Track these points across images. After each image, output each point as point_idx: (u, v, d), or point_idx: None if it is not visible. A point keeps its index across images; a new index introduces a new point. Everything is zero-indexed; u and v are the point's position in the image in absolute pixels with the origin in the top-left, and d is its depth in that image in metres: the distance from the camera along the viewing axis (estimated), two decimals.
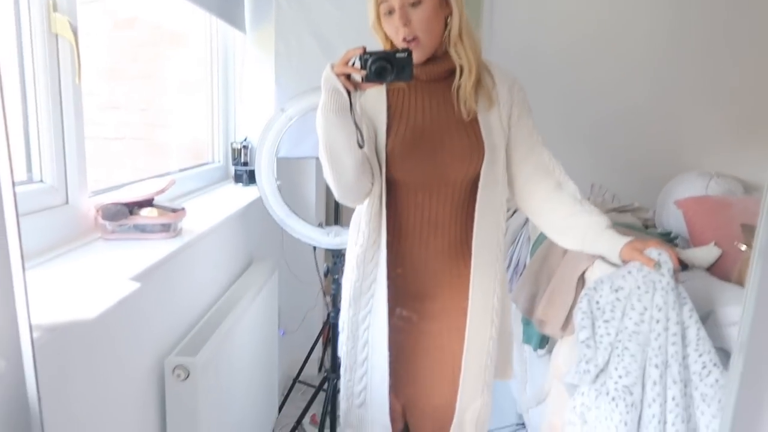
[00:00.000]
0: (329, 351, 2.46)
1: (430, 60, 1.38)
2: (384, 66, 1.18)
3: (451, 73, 1.39)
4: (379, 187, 1.38)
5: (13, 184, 0.70)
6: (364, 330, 1.48)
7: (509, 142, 1.45)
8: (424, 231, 1.42)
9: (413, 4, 1.30)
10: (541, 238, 2.12)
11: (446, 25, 1.36)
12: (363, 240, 1.41)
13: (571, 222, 1.46)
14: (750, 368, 0.69)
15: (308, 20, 2.39)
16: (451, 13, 1.34)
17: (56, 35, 1.30)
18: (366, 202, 1.41)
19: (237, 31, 2.53)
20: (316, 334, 2.79)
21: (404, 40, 1.31)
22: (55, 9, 1.28)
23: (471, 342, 1.45)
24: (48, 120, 1.30)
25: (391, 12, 1.31)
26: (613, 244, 1.40)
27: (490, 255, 1.45)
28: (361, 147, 1.27)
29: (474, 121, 1.39)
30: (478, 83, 1.39)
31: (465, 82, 1.36)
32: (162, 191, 1.47)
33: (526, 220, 2.40)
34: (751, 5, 2.72)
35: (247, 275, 2.12)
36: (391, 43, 1.37)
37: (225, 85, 2.59)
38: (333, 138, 1.26)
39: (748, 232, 1.72)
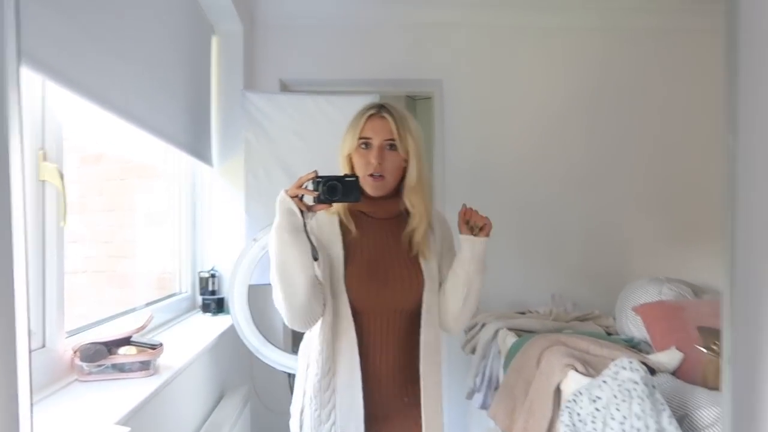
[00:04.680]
0: None
1: (383, 198, 1.49)
2: (335, 186, 1.30)
3: (401, 212, 1.51)
4: (330, 315, 1.41)
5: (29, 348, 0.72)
6: None
7: (439, 267, 1.56)
8: (377, 356, 1.46)
9: (391, 146, 1.44)
10: (513, 351, 2.17)
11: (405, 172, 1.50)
12: (317, 369, 1.42)
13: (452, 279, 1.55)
14: None
15: (275, 153, 2.53)
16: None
17: (43, 182, 1.35)
18: (317, 331, 1.42)
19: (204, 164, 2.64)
20: None
21: (371, 175, 1.44)
22: (44, 158, 1.35)
23: None
24: (31, 264, 1.31)
25: (366, 146, 1.45)
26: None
27: (435, 377, 1.51)
28: (316, 259, 1.34)
29: (416, 256, 1.49)
30: (429, 227, 1.53)
31: (417, 228, 1.48)
32: (142, 328, 1.47)
33: (495, 334, 2.45)
34: (683, 121, 3.05)
35: (219, 409, 2.06)
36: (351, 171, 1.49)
37: (193, 215, 2.64)
38: (286, 256, 1.32)
39: (706, 334, 1.83)
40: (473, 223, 1.47)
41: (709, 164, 2.99)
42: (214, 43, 2.72)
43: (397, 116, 1.45)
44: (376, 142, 1.43)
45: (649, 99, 3.07)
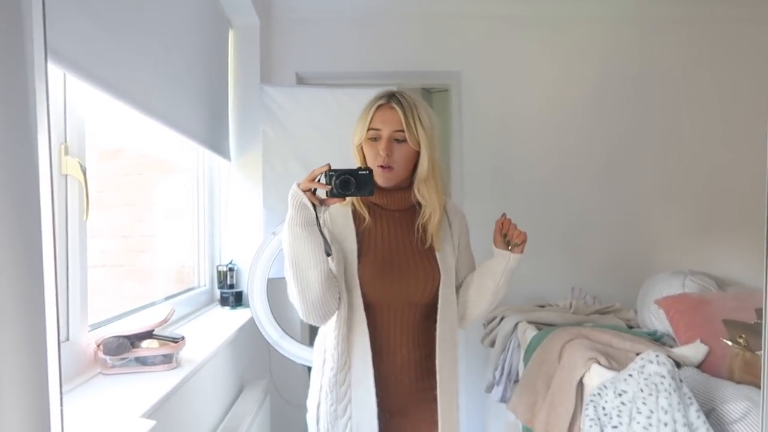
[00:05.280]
0: None
1: (396, 189, 1.47)
2: (348, 180, 1.27)
3: (414, 204, 1.49)
4: (345, 309, 1.39)
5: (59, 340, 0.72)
6: None
7: (456, 262, 1.56)
8: (391, 349, 1.45)
9: (398, 140, 1.41)
10: (533, 344, 2.15)
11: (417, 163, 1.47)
12: (333, 363, 1.41)
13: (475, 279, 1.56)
14: None
15: (292, 146, 2.53)
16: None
17: (66, 176, 1.36)
18: (333, 325, 1.42)
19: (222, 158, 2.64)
20: None
21: (380, 166, 1.41)
22: (66, 153, 1.35)
23: None
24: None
25: (376, 139, 1.43)
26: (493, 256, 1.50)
27: (451, 371, 1.49)
28: (328, 254, 1.31)
29: (431, 248, 1.47)
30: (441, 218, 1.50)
31: (429, 220, 1.46)
32: (164, 321, 1.47)
33: (515, 327, 2.43)
34: (708, 112, 3.00)
35: (240, 402, 2.06)
36: (364, 163, 1.47)
37: (210, 209, 2.65)
38: (299, 251, 1.30)
39: (732, 327, 1.79)
40: (510, 239, 1.44)
41: (733, 156, 2.94)
42: (231, 37, 2.72)
43: (407, 106, 1.41)
44: (384, 133, 1.41)
45: (671, 90, 3.02)
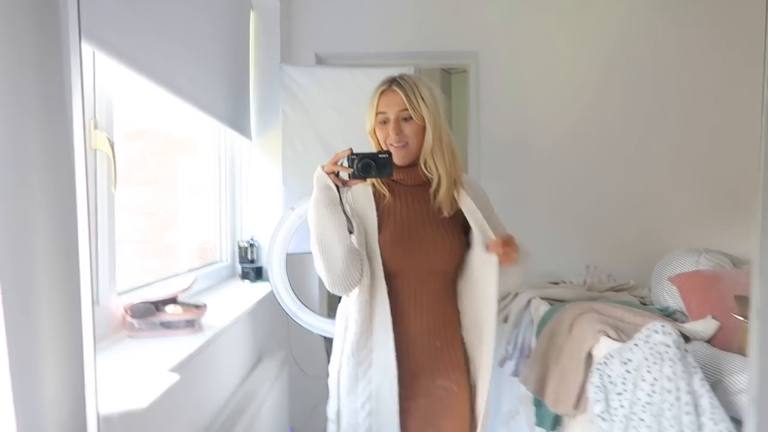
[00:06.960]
0: None
1: (412, 165, 1.56)
2: (368, 163, 1.39)
3: (430, 178, 1.58)
4: (368, 278, 1.49)
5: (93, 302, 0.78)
6: (366, 416, 1.52)
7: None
8: (412, 316, 1.53)
9: (405, 119, 1.51)
10: (545, 318, 2.19)
11: None
12: (356, 328, 1.50)
13: None
14: (764, 420, 0.75)
15: (312, 126, 2.58)
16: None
17: (95, 150, 1.43)
18: (355, 292, 1.51)
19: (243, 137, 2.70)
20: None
21: (392, 145, 1.51)
22: (95, 127, 1.42)
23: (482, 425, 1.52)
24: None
25: (385, 122, 1.53)
26: None
27: (476, 334, 1.56)
28: (351, 233, 1.43)
29: (451, 218, 1.56)
30: (454, 187, 1.57)
31: (438, 189, 1.54)
32: (188, 289, 1.55)
33: (528, 303, 2.47)
34: (721, 87, 2.97)
35: (258, 371, 2.14)
36: (380, 147, 1.57)
37: (232, 187, 2.72)
38: (324, 229, 1.42)
39: (743, 303, 1.81)
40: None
41: (752, 135, 2.91)
42: (252, 18, 2.77)
43: (407, 87, 1.51)
44: (391, 115, 1.52)
45: (689, 68, 2.99)
